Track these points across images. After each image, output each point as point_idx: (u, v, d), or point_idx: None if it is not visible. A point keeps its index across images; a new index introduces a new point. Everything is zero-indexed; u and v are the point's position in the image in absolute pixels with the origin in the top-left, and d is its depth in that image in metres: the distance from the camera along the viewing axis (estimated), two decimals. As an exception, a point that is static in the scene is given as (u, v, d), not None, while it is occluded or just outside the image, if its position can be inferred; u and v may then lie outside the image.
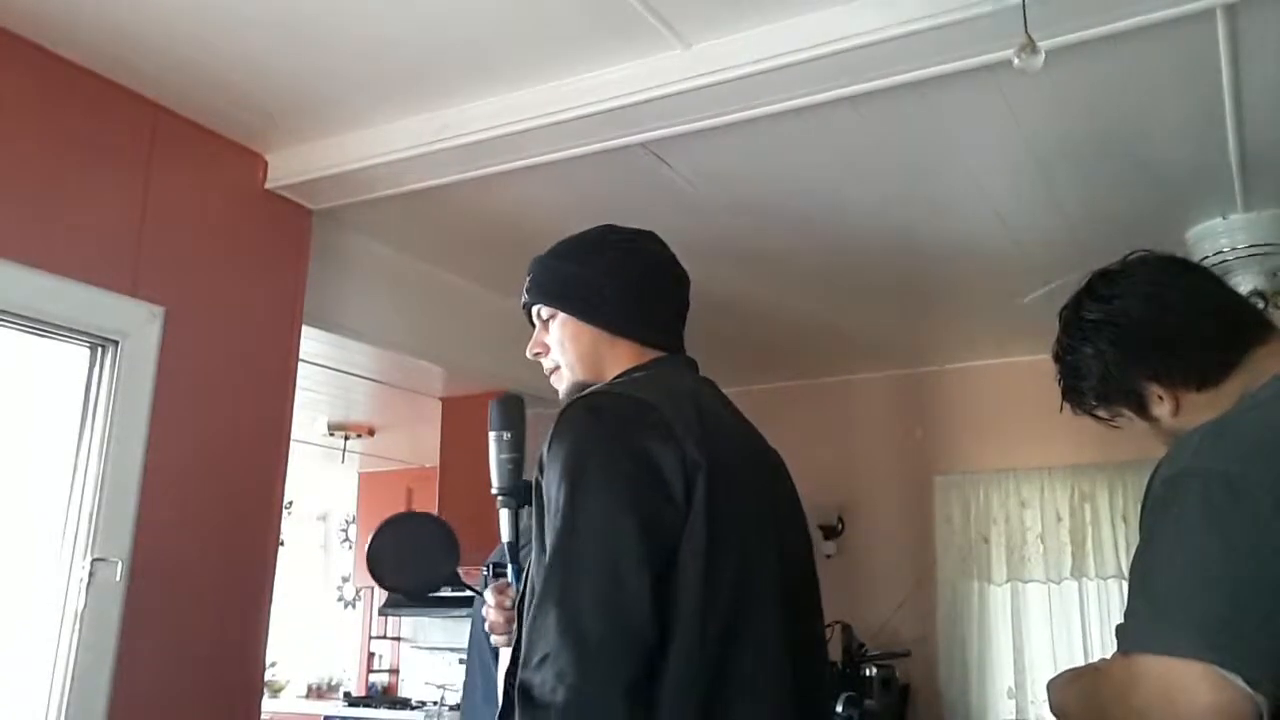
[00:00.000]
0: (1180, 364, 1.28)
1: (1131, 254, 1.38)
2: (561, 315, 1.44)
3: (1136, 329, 1.31)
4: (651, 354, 1.41)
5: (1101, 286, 1.36)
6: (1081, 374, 1.37)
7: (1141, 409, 1.33)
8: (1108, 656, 1.41)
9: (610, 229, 1.51)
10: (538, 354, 1.48)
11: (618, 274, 1.42)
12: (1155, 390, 1.30)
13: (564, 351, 1.44)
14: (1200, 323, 1.29)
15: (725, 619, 1.17)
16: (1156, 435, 1.35)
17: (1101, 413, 1.40)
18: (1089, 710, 1.21)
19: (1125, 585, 4.00)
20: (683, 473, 1.17)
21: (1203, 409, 1.25)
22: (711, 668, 1.15)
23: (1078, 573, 4.19)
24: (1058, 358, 1.41)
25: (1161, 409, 1.30)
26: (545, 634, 1.10)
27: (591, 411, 1.23)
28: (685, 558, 1.15)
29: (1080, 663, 4.41)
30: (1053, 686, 1.31)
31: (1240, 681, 0.98)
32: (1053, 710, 1.30)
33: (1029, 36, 1.60)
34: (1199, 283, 1.35)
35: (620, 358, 1.40)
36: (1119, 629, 1.11)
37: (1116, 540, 4.14)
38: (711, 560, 1.16)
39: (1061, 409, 1.44)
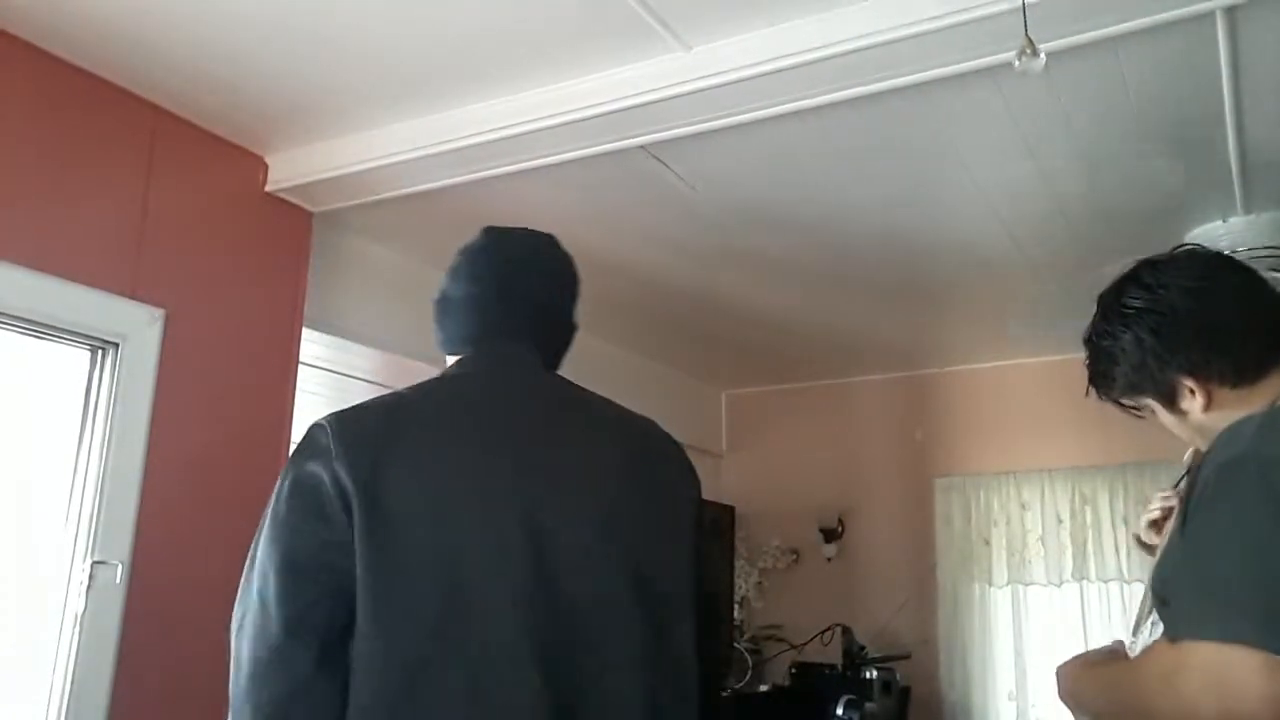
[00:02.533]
0: (1219, 359, 1.27)
1: (1179, 247, 1.37)
2: None
3: (1180, 319, 1.29)
4: (456, 358, 1.45)
5: (1148, 275, 1.34)
6: (1116, 360, 1.35)
7: (1170, 402, 1.31)
8: (1118, 642, 1.37)
9: (471, 241, 1.51)
10: None
11: (439, 305, 1.48)
12: (1188, 384, 1.28)
13: None
14: (1243, 320, 1.28)
15: (416, 629, 1.16)
16: (1180, 430, 1.33)
17: (1127, 401, 1.38)
18: (1118, 701, 1.17)
19: (1126, 588, 3.94)
20: (340, 497, 1.18)
21: (1234, 407, 1.24)
22: (397, 686, 1.14)
23: (1079, 575, 4.18)
24: (1090, 342, 1.39)
25: (1192, 403, 1.29)
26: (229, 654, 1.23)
27: (298, 442, 1.28)
28: (359, 576, 1.16)
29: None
30: (1065, 672, 1.27)
31: None
32: (1064, 697, 1.26)
33: (1029, 39, 1.60)
34: (1245, 281, 1.33)
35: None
36: (1165, 615, 1.07)
37: (1118, 543, 4.14)
38: (381, 578, 1.16)
39: (1087, 393, 1.42)
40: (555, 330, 1.49)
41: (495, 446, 1.28)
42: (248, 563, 1.24)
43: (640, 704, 1.23)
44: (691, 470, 1.45)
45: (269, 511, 1.23)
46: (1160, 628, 1.18)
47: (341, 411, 1.28)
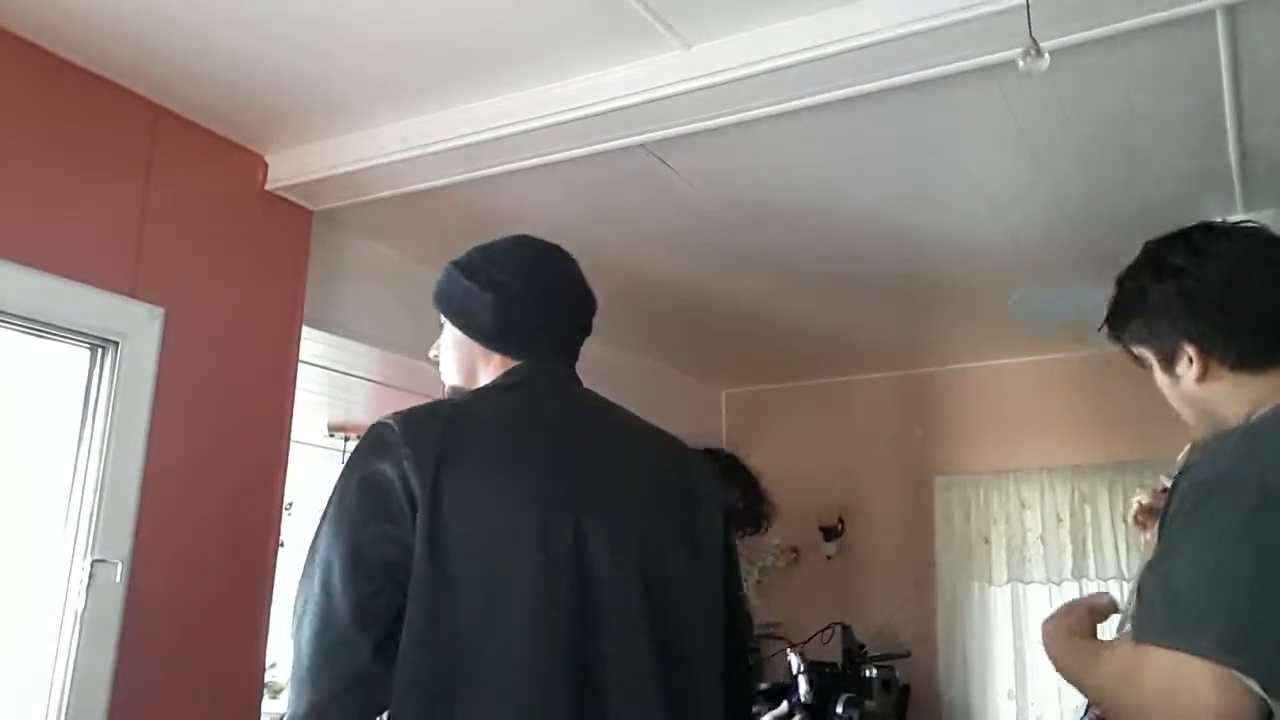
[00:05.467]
0: (1227, 336, 1.27)
1: (1245, 220, 1.38)
2: (449, 323, 1.55)
3: (1209, 289, 1.29)
4: (514, 364, 1.48)
5: (1199, 237, 1.34)
6: (1135, 306, 1.36)
7: (1168, 364, 1.33)
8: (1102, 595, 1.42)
9: (514, 242, 1.57)
10: (435, 355, 1.59)
11: (498, 293, 1.48)
12: (1189, 350, 1.29)
13: (446, 356, 1.55)
14: (1269, 306, 1.28)
15: (459, 628, 1.22)
16: (1170, 395, 1.35)
17: (1135, 349, 1.39)
18: (1079, 680, 1.21)
19: (1126, 586, 3.96)
20: (407, 498, 1.24)
21: (1229, 389, 1.26)
22: (440, 675, 1.21)
23: (1078, 574, 4.18)
24: (1121, 282, 1.40)
25: (1187, 371, 1.30)
26: (290, 656, 1.27)
27: (361, 439, 1.33)
28: (414, 572, 1.23)
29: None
30: (1048, 630, 1.31)
31: (1256, 686, 0.97)
32: (1046, 649, 1.30)
33: (1033, 39, 1.60)
34: None
35: (490, 368, 1.48)
36: (1133, 619, 1.10)
37: (1117, 542, 4.14)
38: (435, 576, 1.22)
39: (1101, 328, 1.44)
40: (580, 339, 1.56)
41: (548, 468, 1.34)
42: (307, 556, 1.29)
43: None
44: (727, 500, 1.51)
45: (332, 506, 1.28)
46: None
47: (407, 414, 1.33)
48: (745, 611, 1.54)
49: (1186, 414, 1.35)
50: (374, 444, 1.30)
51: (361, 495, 1.27)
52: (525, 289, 1.49)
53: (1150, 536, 1.55)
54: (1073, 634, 1.30)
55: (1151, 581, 1.10)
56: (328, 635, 1.23)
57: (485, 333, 1.48)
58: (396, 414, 1.33)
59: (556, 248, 1.58)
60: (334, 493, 1.30)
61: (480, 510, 1.26)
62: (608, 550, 1.30)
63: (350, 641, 1.22)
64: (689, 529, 1.41)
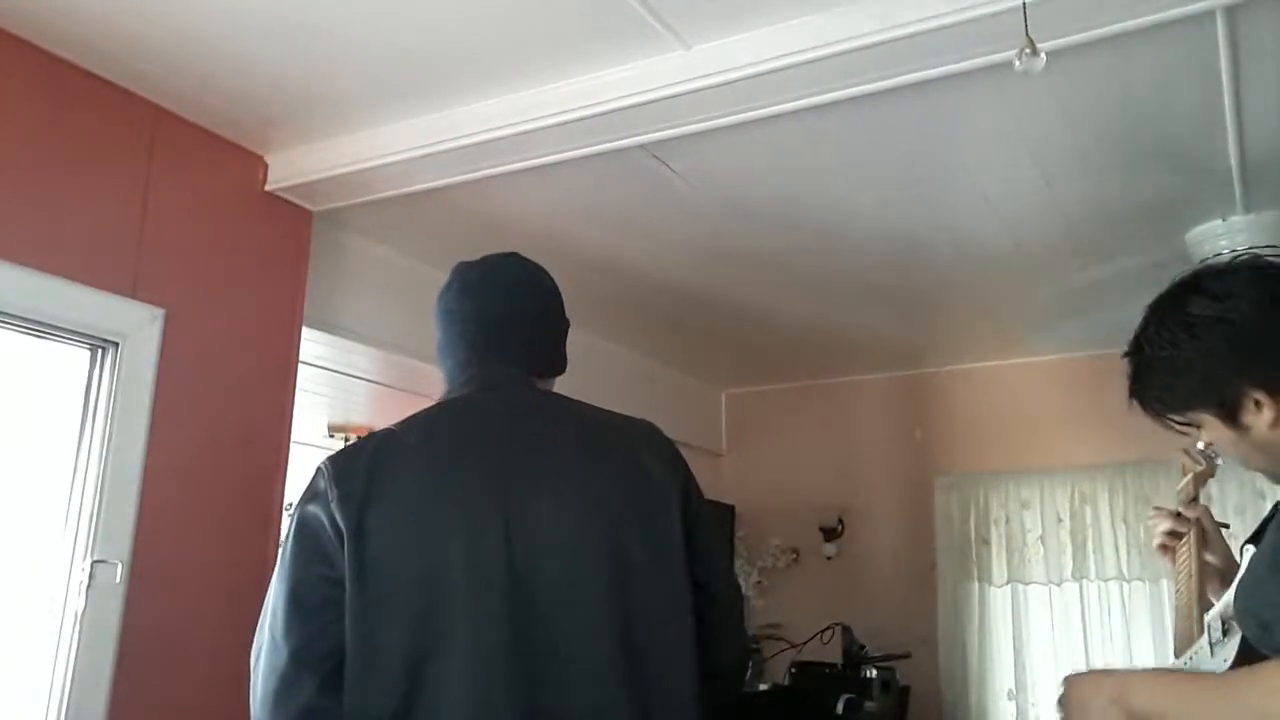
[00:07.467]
0: None
1: (1239, 255, 1.34)
2: None
3: (1254, 330, 1.24)
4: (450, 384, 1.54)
5: (1214, 283, 1.28)
6: (1179, 372, 1.29)
7: (1231, 417, 1.26)
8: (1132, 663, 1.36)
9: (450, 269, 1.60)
10: None
11: (436, 326, 1.56)
12: (1256, 396, 1.23)
13: None
14: None
15: (395, 652, 1.26)
16: (1237, 447, 1.28)
17: (1177, 418, 1.32)
18: (1232, 707, 1.12)
19: (1125, 587, 3.93)
20: (337, 537, 1.30)
21: None
22: (382, 702, 1.25)
23: (1078, 574, 4.19)
24: (1141, 353, 1.33)
25: (1257, 418, 1.24)
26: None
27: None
28: (348, 605, 1.28)
29: (1080, 664, 4.39)
30: (1134, 684, 1.23)
31: None
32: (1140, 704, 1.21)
33: (1029, 39, 1.60)
34: None
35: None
36: (1270, 632, 1.06)
37: (1117, 542, 4.14)
38: (365, 607, 1.27)
39: (1130, 406, 1.36)
40: (540, 339, 1.55)
41: (476, 477, 1.36)
42: (267, 596, 1.36)
43: None
44: (681, 471, 1.48)
45: (280, 551, 1.35)
46: (1229, 647, 1.19)
47: (338, 453, 1.40)
48: (721, 586, 1.49)
49: (1257, 462, 1.28)
50: (308, 489, 1.35)
51: (298, 539, 1.33)
52: (440, 331, 1.55)
53: (1178, 562, 1.50)
54: (1188, 680, 1.23)
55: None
56: (274, 676, 1.29)
57: (447, 385, 1.54)
58: (330, 455, 1.39)
59: (487, 259, 1.59)
60: (282, 539, 1.37)
61: (407, 538, 1.30)
62: (549, 555, 1.31)
63: (295, 682, 1.28)
64: (644, 515, 1.40)
